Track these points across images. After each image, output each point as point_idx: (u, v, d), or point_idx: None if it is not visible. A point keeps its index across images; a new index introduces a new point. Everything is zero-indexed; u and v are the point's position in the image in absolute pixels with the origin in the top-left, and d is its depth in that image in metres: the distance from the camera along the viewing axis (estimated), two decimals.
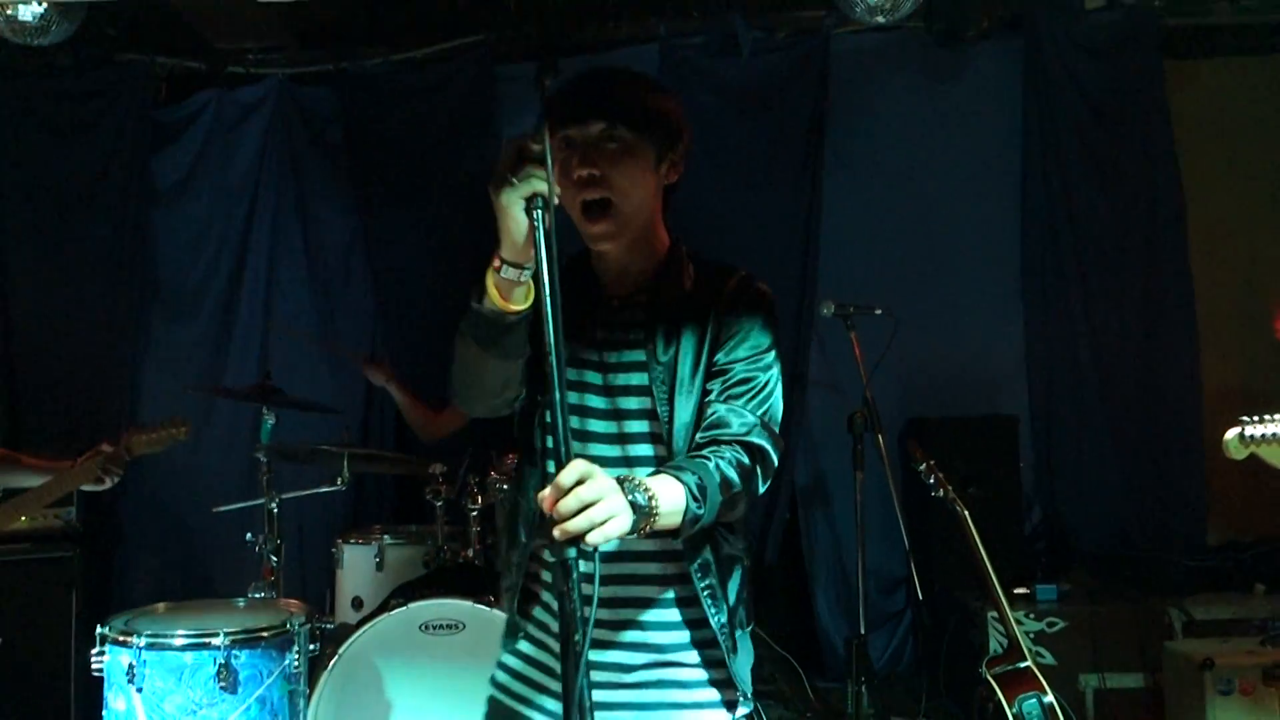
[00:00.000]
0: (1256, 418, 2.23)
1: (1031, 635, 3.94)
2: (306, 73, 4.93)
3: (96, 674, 2.96)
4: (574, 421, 1.71)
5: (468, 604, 3.09)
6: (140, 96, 4.71)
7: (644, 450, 1.73)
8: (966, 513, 3.39)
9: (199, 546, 4.52)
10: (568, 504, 1.37)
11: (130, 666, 2.87)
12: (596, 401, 1.74)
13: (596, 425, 1.74)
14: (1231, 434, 2.25)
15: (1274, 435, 2.20)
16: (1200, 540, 4.55)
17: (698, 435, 1.69)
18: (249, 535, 3.60)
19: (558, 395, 1.41)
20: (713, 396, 1.71)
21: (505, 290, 1.57)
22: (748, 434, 1.68)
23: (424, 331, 4.63)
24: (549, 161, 1.48)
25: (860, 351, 3.92)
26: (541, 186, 1.49)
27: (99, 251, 4.63)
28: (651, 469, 1.64)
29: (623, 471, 1.51)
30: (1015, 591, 4.03)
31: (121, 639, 2.91)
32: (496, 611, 3.05)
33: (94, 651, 2.95)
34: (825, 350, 4.66)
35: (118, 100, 4.70)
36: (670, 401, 1.71)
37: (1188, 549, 4.44)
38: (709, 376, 1.73)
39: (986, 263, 4.76)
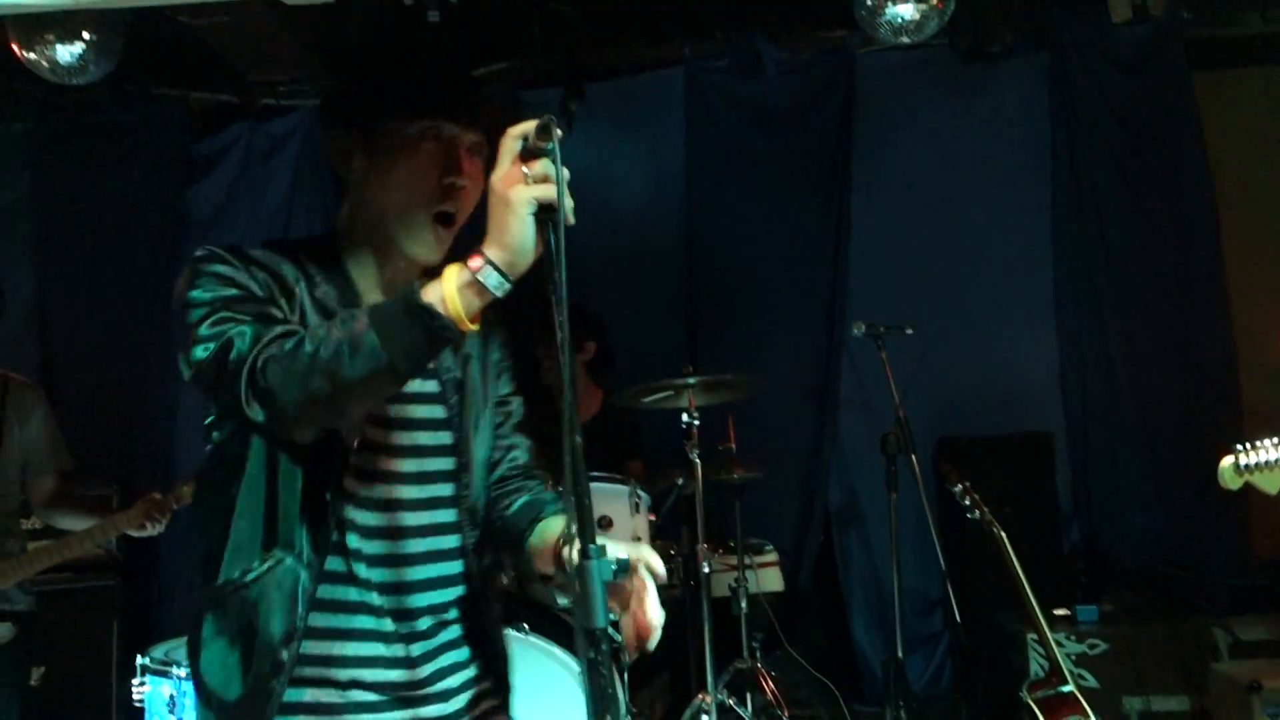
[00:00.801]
0: (1249, 445, 2.27)
1: (1073, 657, 3.88)
2: None
3: (138, 704, 2.97)
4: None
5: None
6: (175, 130, 4.81)
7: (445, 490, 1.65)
8: (1003, 534, 3.35)
9: None
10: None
11: (171, 697, 2.88)
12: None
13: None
14: (1226, 463, 2.29)
15: (1266, 463, 2.24)
16: (1243, 558, 4.48)
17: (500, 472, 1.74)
18: None
19: (569, 441, 1.29)
20: (504, 431, 1.75)
21: (472, 299, 1.35)
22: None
23: None
24: (559, 169, 1.31)
25: (891, 371, 3.91)
26: (554, 195, 1.31)
27: (137, 281, 4.69)
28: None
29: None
30: (1055, 613, 3.97)
31: (161, 669, 2.93)
32: (532, 638, 3.05)
33: (135, 681, 2.96)
34: (857, 370, 4.65)
35: (153, 134, 4.79)
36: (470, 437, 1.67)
37: (1230, 568, 4.37)
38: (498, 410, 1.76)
39: (1017, 279, 4.73)
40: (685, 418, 3.70)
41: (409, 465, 1.62)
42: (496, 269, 1.34)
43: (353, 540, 1.56)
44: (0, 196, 4.73)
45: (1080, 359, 4.68)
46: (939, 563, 3.83)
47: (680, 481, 3.85)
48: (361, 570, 1.56)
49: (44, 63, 3.52)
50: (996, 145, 4.76)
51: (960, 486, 3.47)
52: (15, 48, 3.59)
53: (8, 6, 2.66)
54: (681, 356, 4.52)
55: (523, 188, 1.32)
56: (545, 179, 1.32)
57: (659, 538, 3.80)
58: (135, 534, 3.12)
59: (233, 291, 1.49)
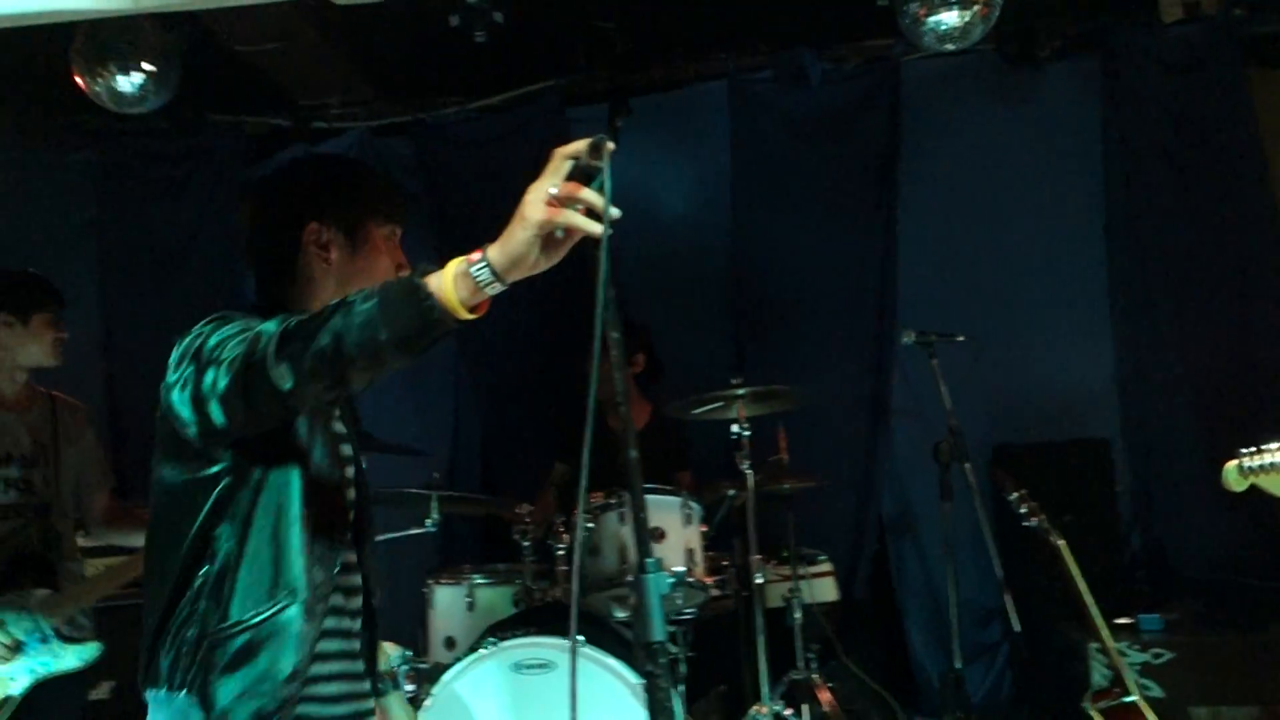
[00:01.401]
0: (1254, 449, 2.30)
1: (1137, 668, 3.80)
2: (386, 124, 5.09)
3: None
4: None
5: (559, 644, 3.10)
6: (231, 155, 4.92)
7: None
8: (1062, 543, 3.30)
9: None
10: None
11: None
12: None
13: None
14: (1230, 465, 2.32)
15: (1271, 465, 2.26)
16: None
17: None
18: None
19: (626, 456, 1.45)
20: None
21: (467, 294, 1.45)
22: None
23: (506, 374, 4.70)
24: (608, 193, 1.39)
25: (943, 379, 3.88)
26: (589, 229, 1.40)
27: (196, 303, 4.79)
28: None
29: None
30: (1117, 622, 3.90)
31: None
32: (588, 650, 3.06)
33: None
34: (908, 378, 4.61)
35: (210, 160, 4.91)
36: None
37: None
38: None
39: (1070, 285, 4.67)
40: (735, 429, 3.71)
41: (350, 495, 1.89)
42: (491, 269, 1.44)
43: (343, 577, 1.80)
44: (66, 222, 4.88)
45: (1137, 363, 4.60)
46: (995, 572, 3.78)
47: (731, 493, 3.85)
48: (342, 601, 1.81)
49: (105, 93, 3.63)
50: (1046, 150, 4.70)
51: (1017, 494, 3.43)
52: (79, 79, 3.71)
53: (69, 12, 2.73)
54: (730, 368, 4.52)
55: (543, 206, 1.41)
56: (573, 201, 1.41)
57: (711, 549, 3.80)
58: None
59: (242, 320, 1.69)
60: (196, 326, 1.73)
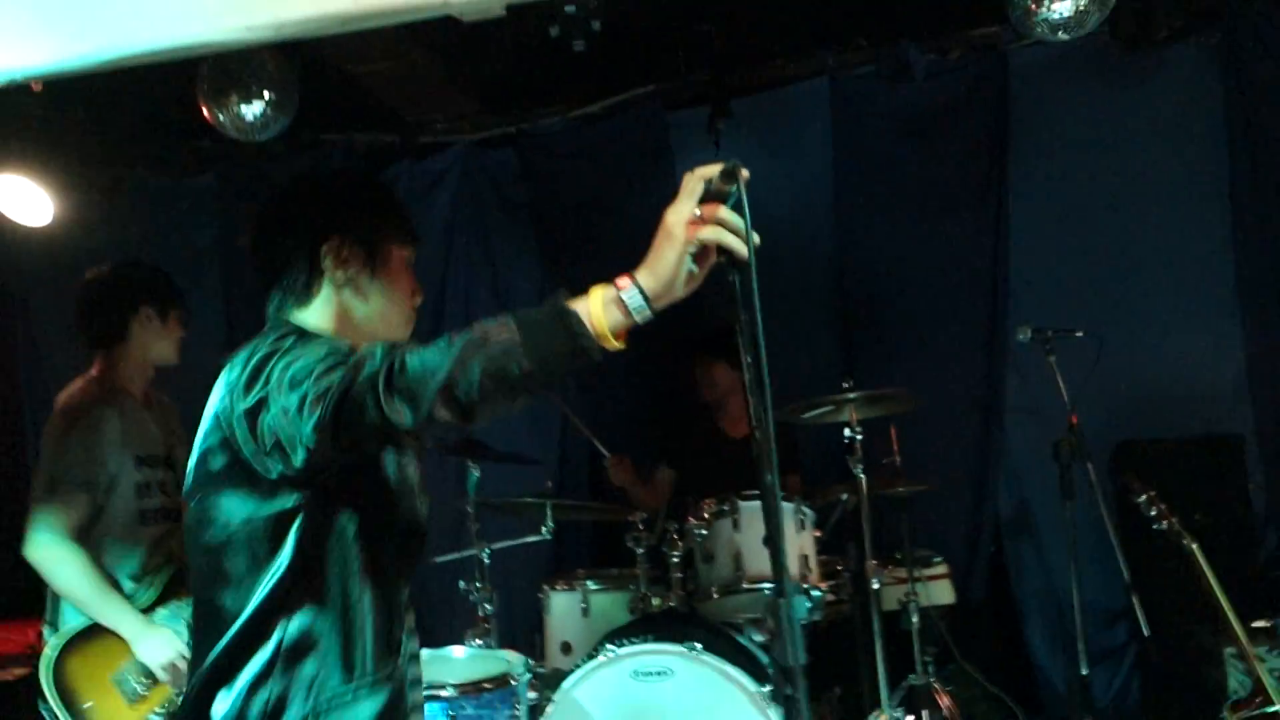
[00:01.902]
0: None
1: (1276, 674, 3.64)
2: (489, 137, 5.18)
3: None
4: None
5: (677, 650, 3.12)
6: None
7: None
8: (1195, 545, 3.18)
9: (414, 596, 4.73)
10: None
11: None
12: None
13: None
14: None
15: None
16: None
17: None
18: (461, 584, 3.76)
19: (770, 478, 1.43)
20: None
21: (618, 322, 1.43)
22: None
23: (613, 388, 4.74)
24: (747, 215, 1.42)
25: (1061, 376, 3.77)
26: (737, 246, 1.41)
27: None
28: None
29: None
30: (1254, 625, 3.73)
31: None
32: (705, 657, 3.08)
33: None
34: (1023, 376, 4.49)
35: None
36: None
37: None
38: None
39: (1195, 274, 4.46)
40: (847, 432, 3.68)
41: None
42: (643, 294, 1.42)
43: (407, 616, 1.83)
44: (191, 244, 5.10)
45: (1271, 356, 4.38)
46: (1120, 572, 3.66)
47: (844, 497, 3.82)
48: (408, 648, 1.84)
49: (230, 123, 3.79)
50: (1166, 135, 4.50)
51: (1145, 497, 3.32)
52: (205, 110, 3.87)
53: (199, 47, 2.84)
54: (838, 369, 4.48)
55: (692, 227, 1.41)
56: (718, 222, 1.42)
57: (825, 553, 3.78)
58: None
59: (323, 343, 1.66)
60: (263, 344, 1.64)
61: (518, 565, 4.45)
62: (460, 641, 3.52)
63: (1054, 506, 3.89)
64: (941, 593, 4.21)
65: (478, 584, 3.68)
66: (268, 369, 1.57)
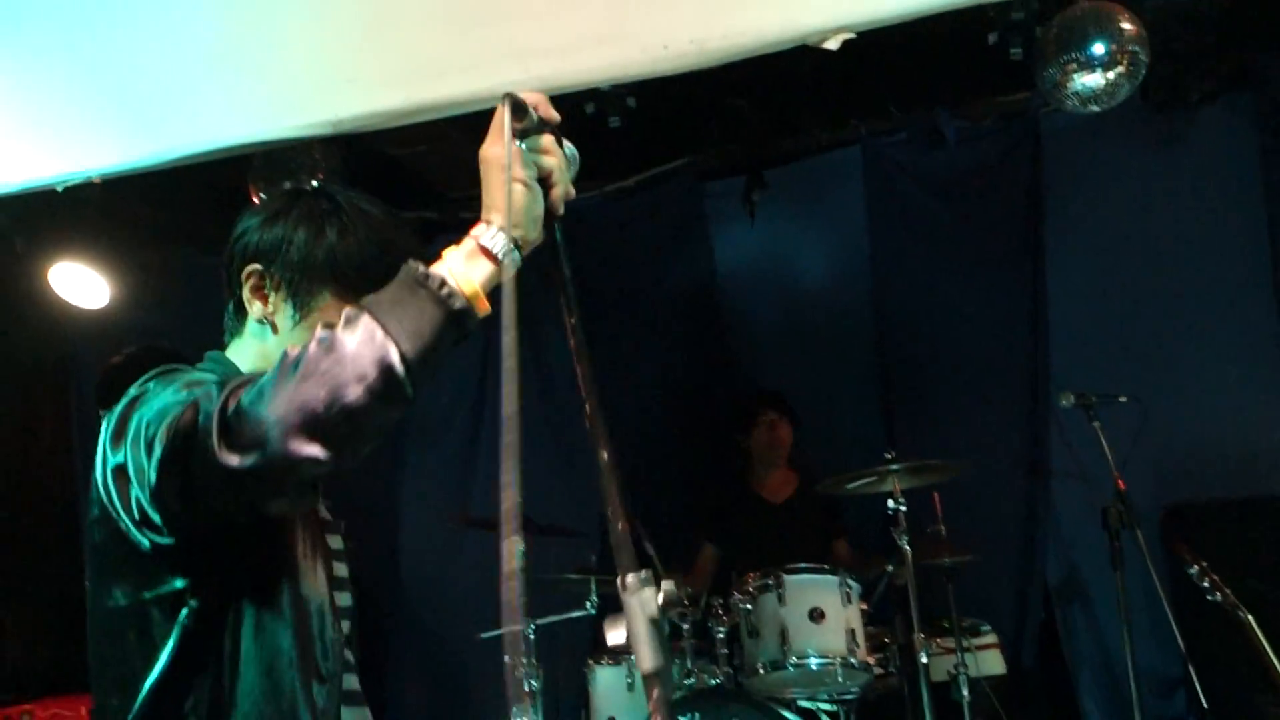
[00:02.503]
0: None
1: None
2: None
3: None
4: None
5: None
6: None
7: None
8: (1250, 617, 3.12)
9: (459, 673, 4.74)
10: None
11: None
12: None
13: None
14: None
15: None
16: None
17: None
18: (507, 659, 3.75)
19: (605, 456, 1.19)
20: None
21: (483, 266, 1.24)
22: None
23: (650, 453, 4.75)
24: (567, 156, 1.31)
25: (1106, 441, 3.74)
26: (555, 168, 1.29)
27: None
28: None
29: None
30: None
31: None
32: None
33: None
34: (1068, 441, 4.44)
35: None
36: None
37: None
38: None
39: (1237, 334, 4.43)
40: (890, 504, 3.66)
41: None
42: (504, 234, 1.24)
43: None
44: None
45: None
46: (1175, 639, 3.59)
47: (889, 569, 3.79)
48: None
49: None
50: (1202, 195, 4.50)
51: (1198, 568, 3.27)
52: (252, 192, 3.99)
53: (258, 145, 2.95)
54: (880, 436, 4.47)
55: (521, 153, 1.26)
56: (545, 150, 1.29)
57: (871, 624, 3.74)
58: None
59: (183, 378, 1.38)
60: (134, 386, 1.37)
61: (563, 642, 4.45)
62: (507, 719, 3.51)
63: (1104, 571, 3.83)
64: (991, 663, 4.14)
65: (524, 660, 3.68)
66: (127, 416, 1.32)
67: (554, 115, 1.30)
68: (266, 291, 1.53)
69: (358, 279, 1.46)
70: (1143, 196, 4.54)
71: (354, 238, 1.52)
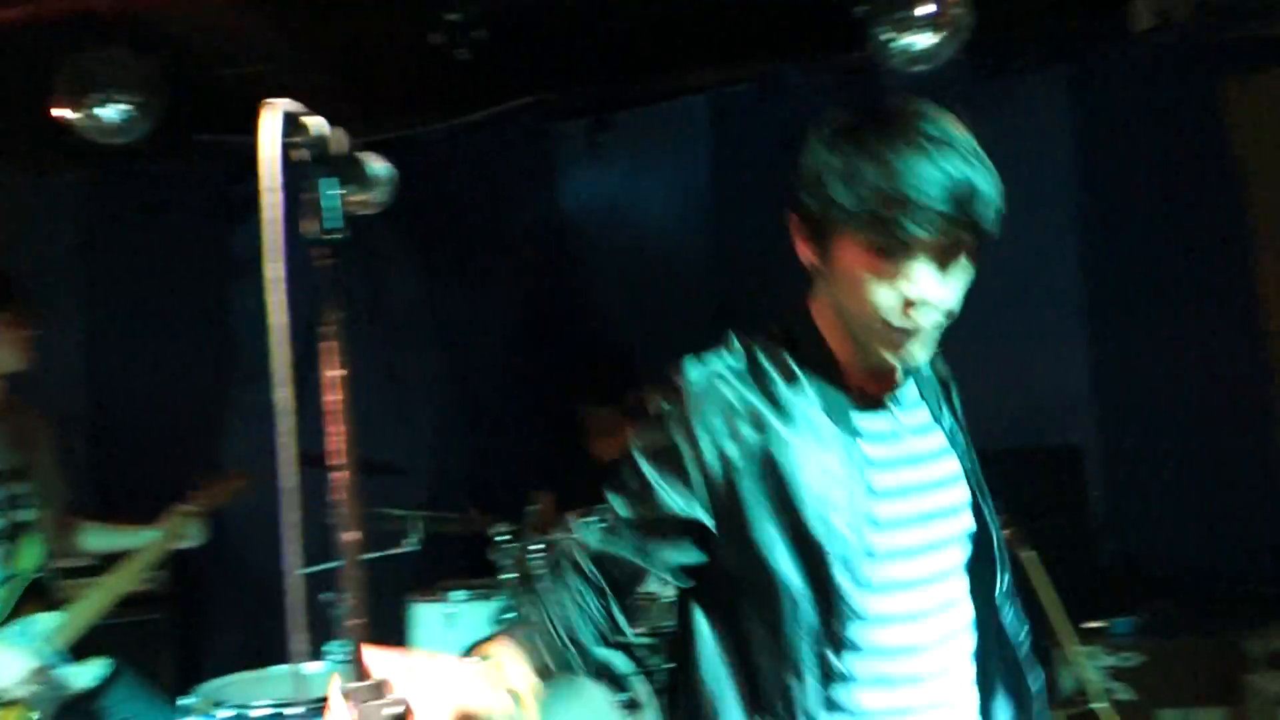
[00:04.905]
0: None
1: (1108, 671, 3.86)
2: (369, 143, 5.12)
3: None
4: None
5: None
6: (214, 175, 4.97)
7: None
8: (1030, 553, 3.36)
9: (278, 608, 4.65)
10: None
11: None
12: None
13: None
14: None
15: None
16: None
17: None
18: (321, 595, 3.70)
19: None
20: None
21: None
22: None
23: (492, 391, 4.75)
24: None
25: None
26: None
27: (181, 326, 4.87)
28: None
29: None
30: (1089, 626, 3.95)
31: (202, 709, 2.92)
32: None
33: None
34: None
35: (193, 180, 4.97)
36: None
37: (1267, 578, 4.31)
38: None
39: (1044, 292, 4.69)
40: None
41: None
42: None
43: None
44: (53, 244, 4.94)
45: (1112, 370, 4.65)
46: None
47: None
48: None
49: (90, 125, 3.68)
50: (1019, 160, 4.70)
51: None
52: (63, 111, 3.75)
53: None
54: None
55: None
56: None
57: None
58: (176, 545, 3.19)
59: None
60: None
61: (382, 577, 4.42)
62: (320, 656, 3.48)
63: None
64: None
65: (340, 596, 3.64)
66: None
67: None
68: None
69: None
70: None
71: None
